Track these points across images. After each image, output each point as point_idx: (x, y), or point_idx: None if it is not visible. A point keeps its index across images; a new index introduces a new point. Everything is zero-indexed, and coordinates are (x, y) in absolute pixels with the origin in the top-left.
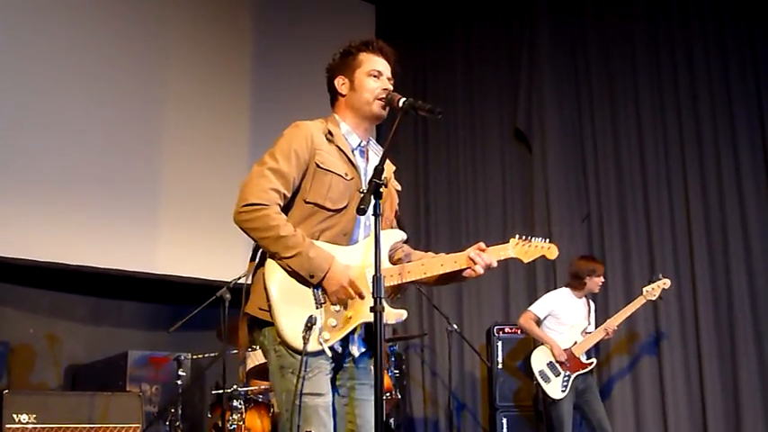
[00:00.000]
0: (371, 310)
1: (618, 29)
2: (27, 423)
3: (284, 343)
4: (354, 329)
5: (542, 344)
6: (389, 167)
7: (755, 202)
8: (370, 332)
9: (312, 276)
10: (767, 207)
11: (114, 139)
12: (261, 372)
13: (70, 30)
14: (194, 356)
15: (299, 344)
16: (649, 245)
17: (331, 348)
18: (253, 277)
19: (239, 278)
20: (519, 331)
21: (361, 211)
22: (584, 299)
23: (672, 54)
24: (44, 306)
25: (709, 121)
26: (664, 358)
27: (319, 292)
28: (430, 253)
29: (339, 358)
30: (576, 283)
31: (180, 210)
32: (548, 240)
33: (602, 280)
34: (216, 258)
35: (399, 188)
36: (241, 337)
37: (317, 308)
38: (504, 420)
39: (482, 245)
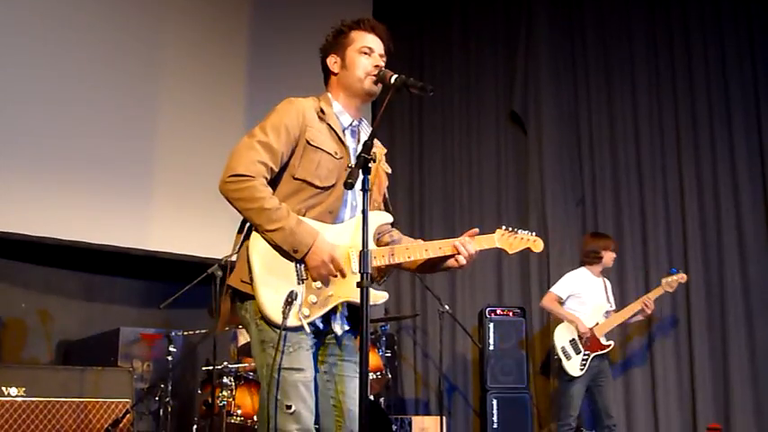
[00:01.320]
0: (358, 285)
1: (616, 14)
2: (16, 396)
3: (264, 317)
4: (336, 308)
5: (562, 322)
6: (380, 150)
7: (750, 190)
8: (354, 310)
9: (296, 251)
10: (761, 195)
11: (108, 116)
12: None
13: (62, 7)
14: (186, 333)
15: (278, 318)
16: (643, 230)
17: (312, 324)
18: (239, 250)
19: (231, 255)
20: (511, 313)
21: (349, 186)
22: (601, 278)
23: (669, 40)
24: (36, 281)
25: (706, 108)
26: (655, 336)
27: (302, 268)
28: (419, 240)
29: (320, 335)
30: (592, 259)
31: (173, 187)
32: (534, 233)
33: (614, 257)
34: (208, 236)
35: (389, 171)
36: (222, 311)
37: (299, 283)
38: (495, 402)
39: (475, 230)
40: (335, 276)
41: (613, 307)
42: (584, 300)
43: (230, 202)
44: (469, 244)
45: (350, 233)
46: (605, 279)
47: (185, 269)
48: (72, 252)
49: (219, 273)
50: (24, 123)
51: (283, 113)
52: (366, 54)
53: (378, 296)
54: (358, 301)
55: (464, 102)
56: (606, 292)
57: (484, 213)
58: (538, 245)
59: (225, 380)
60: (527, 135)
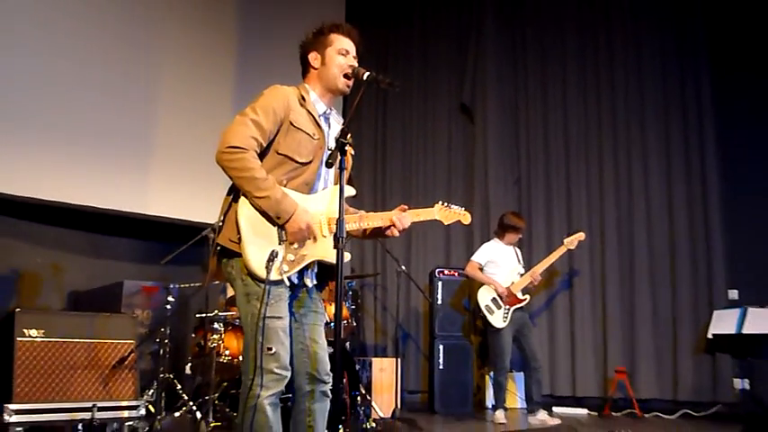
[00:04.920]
0: (335, 246)
1: (552, 24)
2: (36, 337)
3: (250, 272)
4: (308, 265)
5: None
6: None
7: (657, 175)
8: (323, 268)
9: (278, 218)
10: (667, 178)
11: (114, 97)
12: None
13: None
14: (181, 286)
15: (262, 273)
16: (568, 204)
17: (288, 279)
18: (226, 213)
19: (220, 217)
20: (456, 274)
21: (329, 165)
22: (511, 246)
23: (595, 47)
24: (50, 240)
25: (623, 105)
26: (575, 294)
27: (282, 231)
28: (362, 211)
29: (295, 289)
30: (500, 232)
31: (170, 160)
32: (464, 208)
33: (520, 236)
34: (202, 202)
35: (353, 152)
36: (210, 267)
37: (280, 244)
38: (441, 347)
39: (404, 207)
40: (309, 240)
41: (524, 269)
42: (499, 264)
43: (225, 170)
44: (404, 218)
45: (322, 202)
46: (515, 248)
47: (180, 231)
48: (81, 215)
49: (212, 235)
50: (40, 101)
51: (271, 97)
52: (343, 55)
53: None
54: (327, 259)
55: (421, 95)
56: (517, 257)
57: (436, 190)
58: (466, 218)
59: (215, 326)
60: (474, 124)
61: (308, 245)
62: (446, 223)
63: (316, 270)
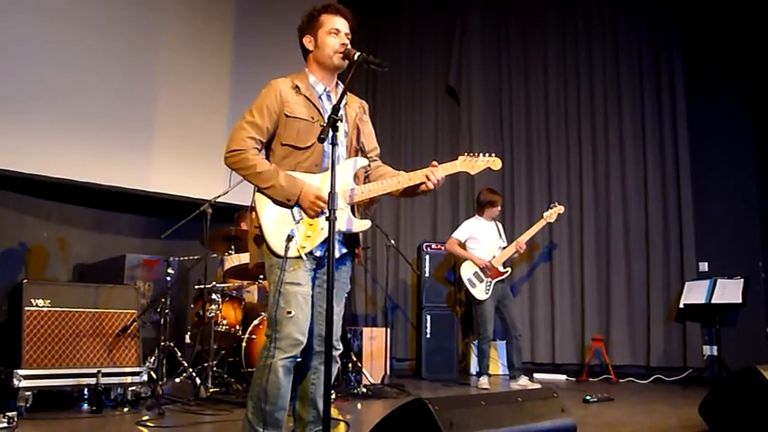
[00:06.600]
0: (326, 219)
1: (534, 8)
2: (43, 306)
3: (271, 252)
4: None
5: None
6: (361, 104)
7: (633, 154)
8: (348, 237)
9: (288, 200)
10: (642, 158)
11: (119, 81)
12: (235, 272)
13: None
14: (181, 259)
15: (281, 252)
16: (549, 182)
17: (311, 254)
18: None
19: (219, 196)
20: (443, 248)
21: (321, 140)
22: (492, 222)
23: (575, 35)
24: (56, 215)
25: (601, 88)
26: (554, 266)
27: (296, 212)
28: (402, 172)
29: (320, 260)
30: (479, 209)
31: (171, 138)
32: (493, 154)
33: (499, 209)
34: (200, 180)
35: (368, 121)
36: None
37: (296, 224)
38: (429, 317)
39: (435, 162)
40: (324, 208)
41: (505, 243)
42: (480, 240)
43: (234, 171)
44: (436, 172)
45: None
46: (497, 223)
47: (180, 207)
48: (86, 191)
49: (209, 211)
50: (51, 86)
51: (264, 96)
52: (334, 34)
53: (361, 224)
54: (345, 229)
55: (409, 77)
56: (498, 231)
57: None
58: (496, 164)
59: (213, 296)
60: (459, 105)
61: (324, 219)
62: (473, 173)
63: (341, 240)
